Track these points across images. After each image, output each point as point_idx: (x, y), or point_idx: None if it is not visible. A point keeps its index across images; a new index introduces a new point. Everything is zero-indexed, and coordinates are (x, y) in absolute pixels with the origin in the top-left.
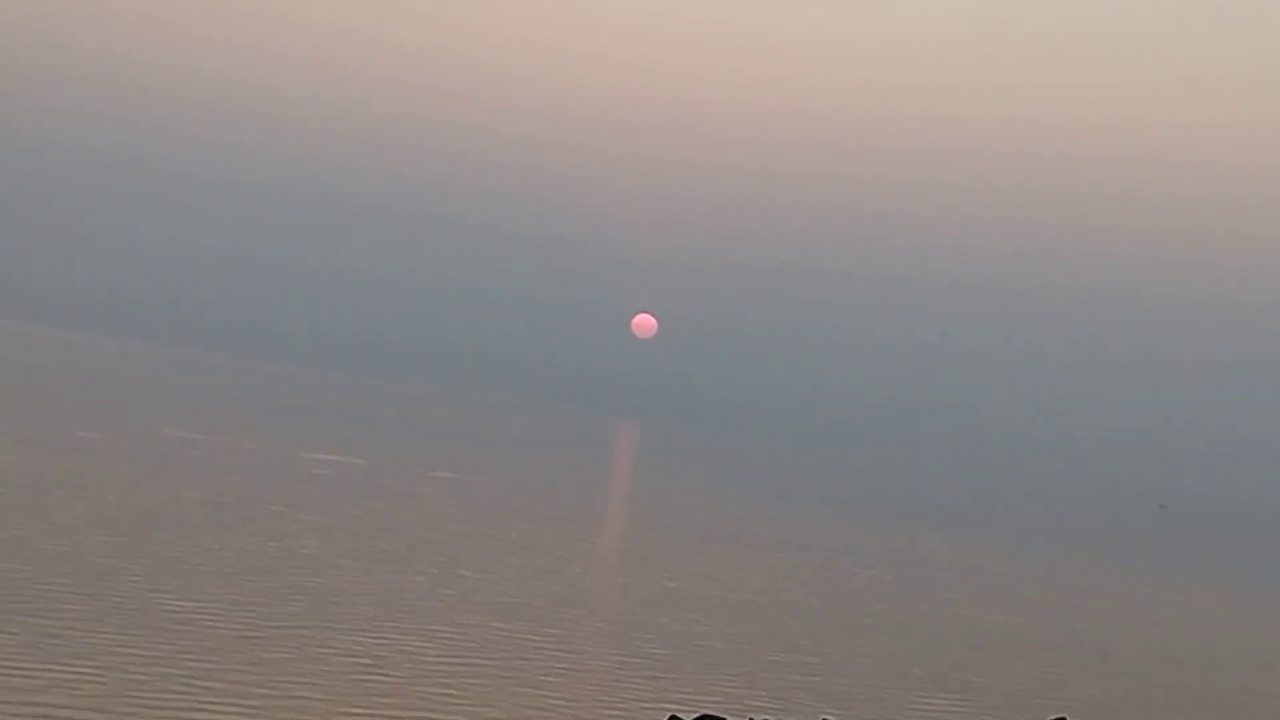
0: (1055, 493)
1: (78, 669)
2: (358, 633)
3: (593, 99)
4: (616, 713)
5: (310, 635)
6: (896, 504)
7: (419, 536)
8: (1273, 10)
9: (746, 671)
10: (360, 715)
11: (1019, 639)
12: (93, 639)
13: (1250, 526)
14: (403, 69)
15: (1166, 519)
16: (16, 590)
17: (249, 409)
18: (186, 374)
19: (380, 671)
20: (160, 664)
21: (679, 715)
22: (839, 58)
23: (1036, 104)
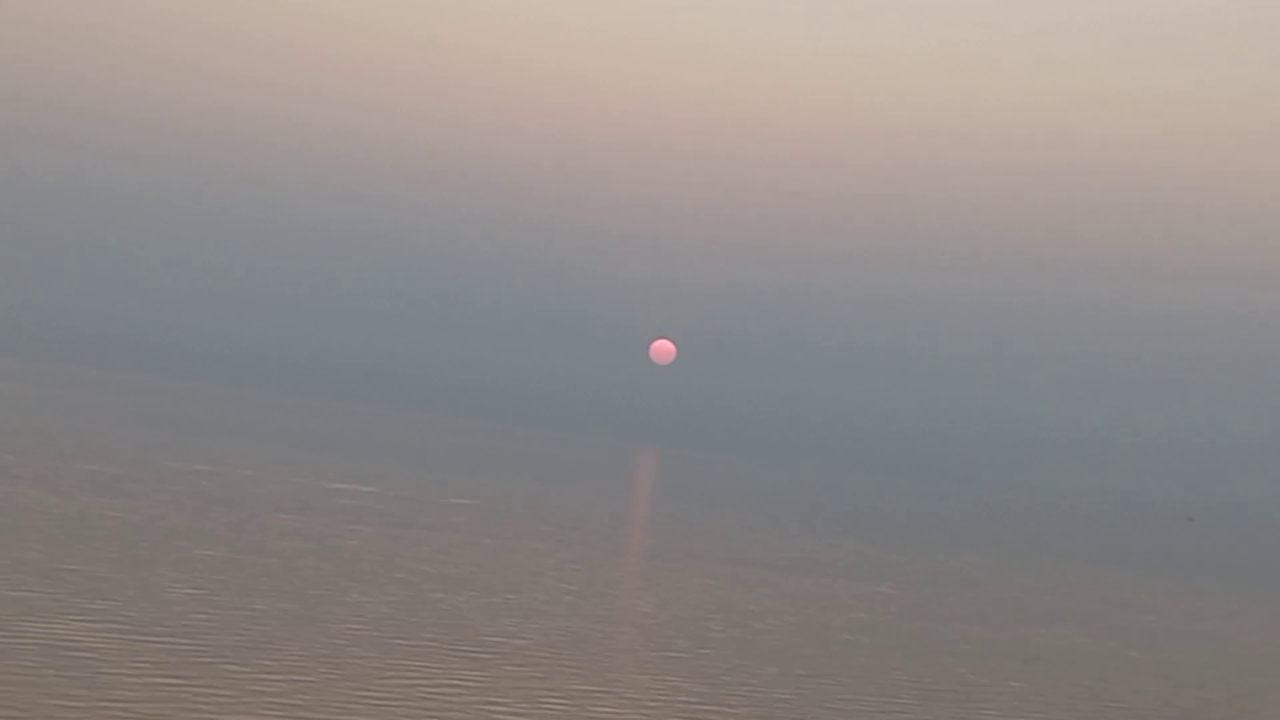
0: (1081, 507)
1: None
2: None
3: (601, 121)
4: None
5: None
6: (929, 523)
7: (494, 577)
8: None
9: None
10: None
11: (1105, 662)
12: None
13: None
14: (401, 93)
15: (1196, 531)
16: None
17: (241, 438)
18: (163, 403)
19: None
20: None
21: None
22: (851, 76)
23: (1060, 116)
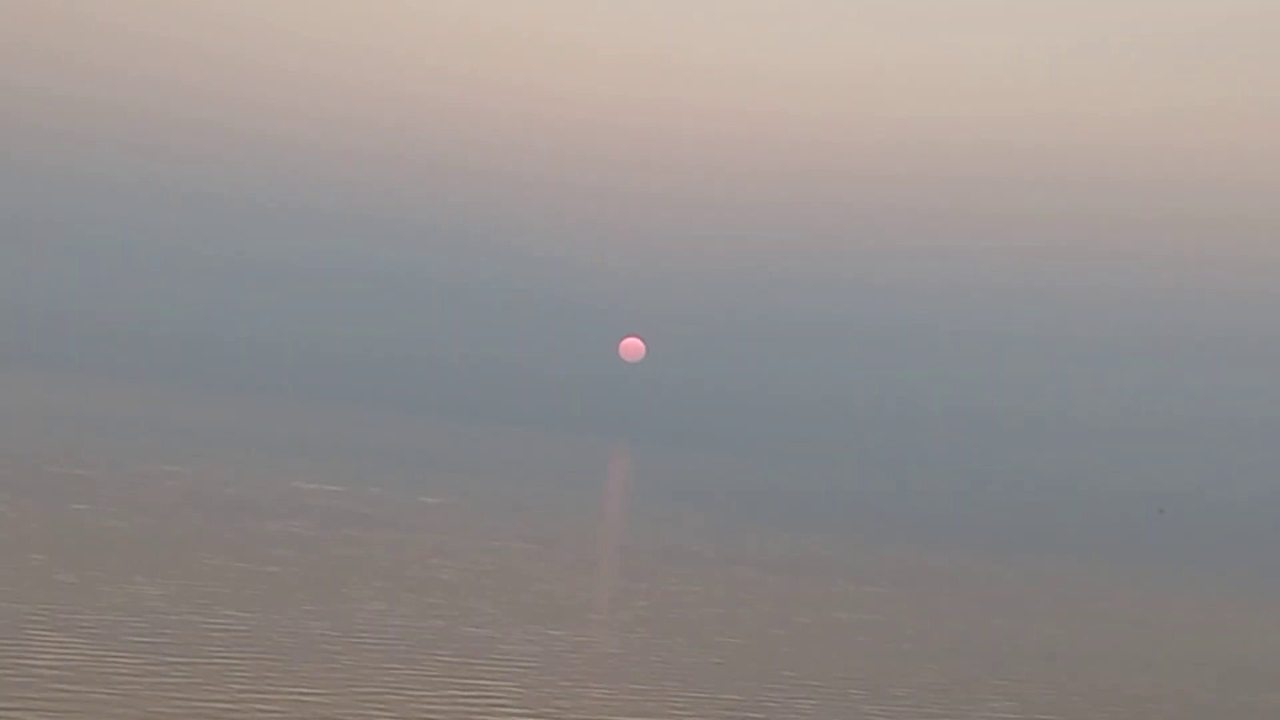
0: (1052, 500)
1: None
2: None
3: (575, 128)
4: None
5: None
6: (904, 517)
7: (485, 581)
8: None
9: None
10: None
11: (1079, 653)
12: None
13: (1256, 528)
14: (386, 77)
15: (1168, 523)
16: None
17: (207, 439)
18: (112, 403)
19: None
20: None
21: None
22: (820, 90)
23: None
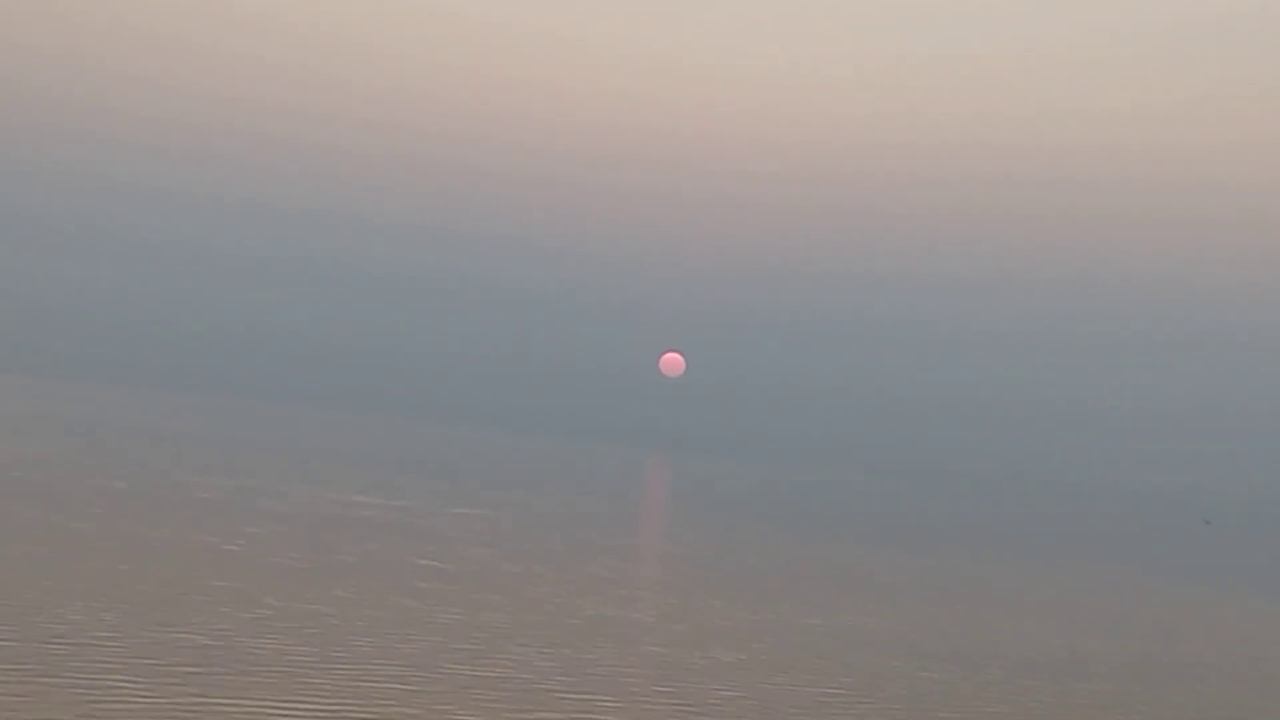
0: (1095, 509)
1: None
2: None
3: (598, 137)
4: None
5: None
6: (943, 528)
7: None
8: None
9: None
10: None
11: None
12: None
13: None
14: (408, 81)
15: (1215, 534)
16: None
17: (232, 448)
18: (138, 414)
19: None
20: None
21: None
22: (838, 91)
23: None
